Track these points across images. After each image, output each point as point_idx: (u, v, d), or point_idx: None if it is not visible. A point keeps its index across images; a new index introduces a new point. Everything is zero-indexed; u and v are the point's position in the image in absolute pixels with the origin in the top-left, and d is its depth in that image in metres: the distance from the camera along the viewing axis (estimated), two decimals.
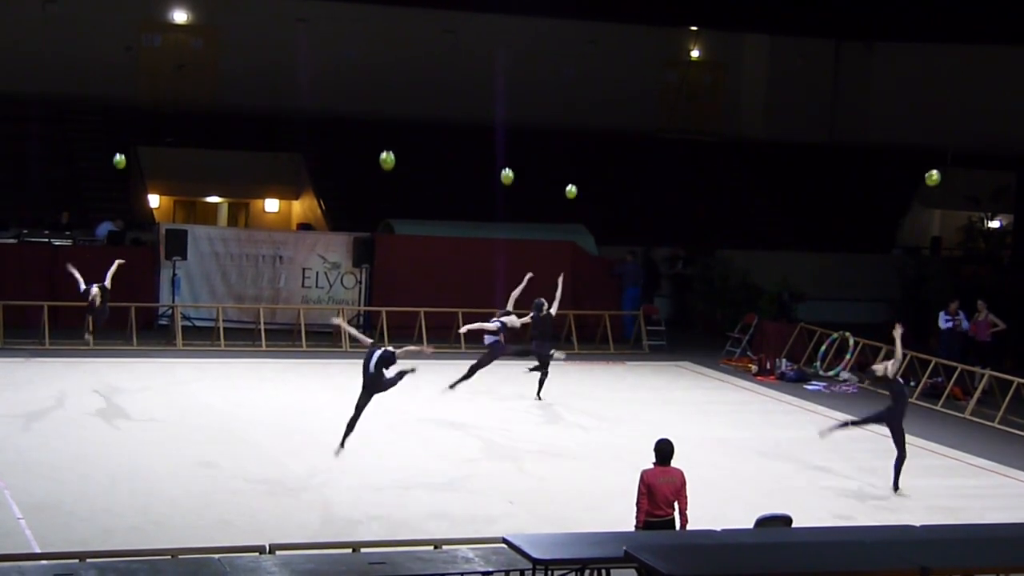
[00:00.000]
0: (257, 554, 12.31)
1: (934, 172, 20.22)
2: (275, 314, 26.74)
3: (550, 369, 21.50)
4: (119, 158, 25.97)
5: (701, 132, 38.52)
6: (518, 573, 11.57)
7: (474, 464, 17.75)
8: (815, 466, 18.66)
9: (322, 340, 26.16)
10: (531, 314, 21.03)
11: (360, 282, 27.42)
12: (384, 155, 18.89)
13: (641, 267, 29.42)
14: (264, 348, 25.21)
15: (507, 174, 22.70)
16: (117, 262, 21.66)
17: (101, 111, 33.39)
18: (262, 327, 25.57)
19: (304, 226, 32.16)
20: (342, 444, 16.74)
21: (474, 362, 20.66)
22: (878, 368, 17.76)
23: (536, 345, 21.40)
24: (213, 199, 34.32)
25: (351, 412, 16.72)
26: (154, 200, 32.49)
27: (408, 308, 26.14)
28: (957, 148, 37.71)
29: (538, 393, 21.54)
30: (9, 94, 32.21)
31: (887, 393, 17.77)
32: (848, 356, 25.54)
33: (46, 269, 25.79)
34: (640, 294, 28.88)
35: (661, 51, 38.66)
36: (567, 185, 27.39)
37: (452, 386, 20.44)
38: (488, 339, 20.61)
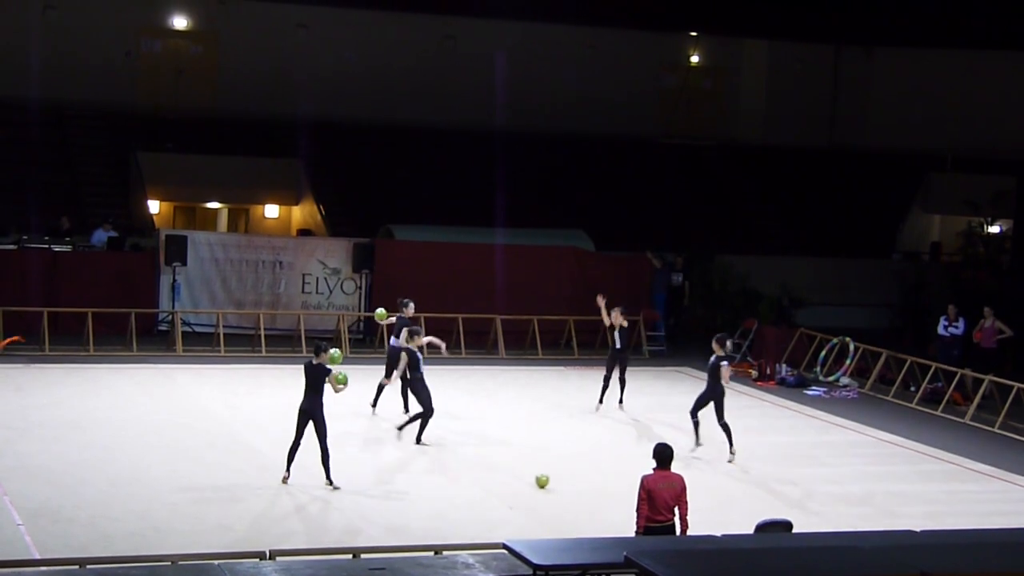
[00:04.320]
0: (257, 560, 12.31)
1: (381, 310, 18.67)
2: (275, 320, 26.74)
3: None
4: None
5: (700, 137, 38.59)
6: None
7: (473, 469, 17.75)
8: (815, 471, 18.66)
9: None
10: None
11: (360, 287, 27.41)
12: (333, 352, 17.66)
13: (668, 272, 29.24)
14: (264, 354, 25.20)
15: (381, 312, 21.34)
16: None
17: (101, 116, 33.44)
18: (262, 333, 25.56)
19: (304, 232, 32.19)
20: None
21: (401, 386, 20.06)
22: None
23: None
24: (213, 205, 34.34)
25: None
26: (154, 206, 32.49)
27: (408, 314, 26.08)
28: (956, 153, 37.76)
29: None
30: (9, 99, 32.26)
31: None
32: (848, 361, 25.57)
33: (46, 275, 25.79)
34: (665, 299, 28.78)
35: (660, 56, 38.73)
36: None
37: (401, 427, 19.83)
38: (395, 342, 20.14)
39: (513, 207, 30.71)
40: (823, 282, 31.95)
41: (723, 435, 18.68)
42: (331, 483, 16.23)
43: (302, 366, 16.70)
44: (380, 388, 20.40)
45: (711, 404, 18.77)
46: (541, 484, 16.69)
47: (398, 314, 20.50)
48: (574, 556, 11.44)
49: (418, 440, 18.63)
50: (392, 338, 20.45)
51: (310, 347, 25.41)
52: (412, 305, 20.54)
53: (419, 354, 18.55)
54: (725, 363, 18.61)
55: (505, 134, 33.99)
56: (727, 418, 18.72)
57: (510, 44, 36.01)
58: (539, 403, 22.28)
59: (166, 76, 34.82)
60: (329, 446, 16.29)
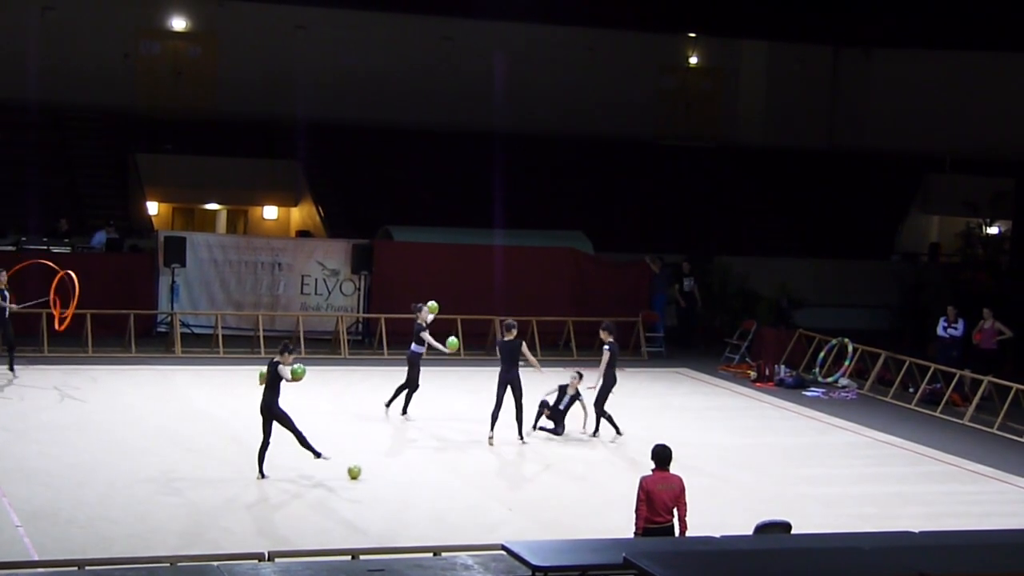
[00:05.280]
0: (256, 561, 12.33)
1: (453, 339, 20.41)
2: (274, 321, 26.73)
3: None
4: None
5: (699, 138, 38.59)
6: None
7: (473, 471, 17.75)
8: (814, 472, 18.67)
9: (321, 347, 26.16)
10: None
11: (359, 289, 27.41)
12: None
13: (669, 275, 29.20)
14: (263, 355, 25.11)
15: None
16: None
17: (100, 118, 33.43)
18: (261, 334, 25.56)
19: (303, 233, 32.18)
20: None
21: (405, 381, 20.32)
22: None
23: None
24: (212, 206, 34.34)
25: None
26: (153, 207, 32.49)
27: (407, 315, 26.04)
28: (955, 154, 37.77)
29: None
30: (8, 101, 32.24)
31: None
32: (847, 362, 25.57)
33: (44, 276, 25.75)
34: (664, 301, 28.79)
35: (659, 57, 38.72)
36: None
37: (404, 411, 20.36)
38: (415, 348, 20.28)
39: (512, 209, 30.71)
40: (822, 283, 31.96)
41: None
42: (319, 454, 16.74)
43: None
44: (399, 391, 20.39)
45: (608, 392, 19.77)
46: (353, 476, 16.69)
47: (416, 321, 20.51)
48: (573, 557, 11.44)
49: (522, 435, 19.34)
50: (413, 344, 20.37)
51: (308, 348, 25.61)
52: (425, 308, 20.51)
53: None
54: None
55: (504, 136, 33.98)
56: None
57: (509, 46, 36.01)
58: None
59: (165, 78, 34.82)
60: (303, 431, 16.72)
